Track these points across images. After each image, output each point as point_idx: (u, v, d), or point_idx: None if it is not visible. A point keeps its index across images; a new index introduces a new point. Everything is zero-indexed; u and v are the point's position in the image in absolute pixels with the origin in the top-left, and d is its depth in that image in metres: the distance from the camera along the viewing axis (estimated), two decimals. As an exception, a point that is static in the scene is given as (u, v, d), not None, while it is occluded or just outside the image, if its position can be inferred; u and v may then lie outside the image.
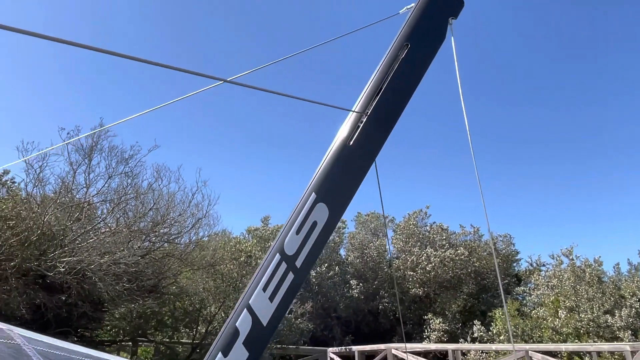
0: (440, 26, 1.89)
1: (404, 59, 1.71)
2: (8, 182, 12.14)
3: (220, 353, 1.24)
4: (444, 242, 21.35)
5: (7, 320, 11.53)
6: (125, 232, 12.85)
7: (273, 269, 1.21)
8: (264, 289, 1.21)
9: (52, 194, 12.12)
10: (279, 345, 16.49)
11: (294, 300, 18.21)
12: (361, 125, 1.47)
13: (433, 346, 16.37)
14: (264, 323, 1.21)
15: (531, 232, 38.19)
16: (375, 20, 2.19)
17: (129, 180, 13.03)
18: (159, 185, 13.91)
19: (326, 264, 21.41)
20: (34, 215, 11.20)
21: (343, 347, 18.05)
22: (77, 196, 12.43)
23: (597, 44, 33.66)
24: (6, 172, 12.31)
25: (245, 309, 1.22)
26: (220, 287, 16.63)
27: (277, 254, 1.24)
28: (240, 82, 1.59)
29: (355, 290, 20.90)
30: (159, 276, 14.74)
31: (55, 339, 3.71)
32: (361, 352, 16.90)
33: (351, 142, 1.38)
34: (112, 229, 12.78)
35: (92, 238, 11.90)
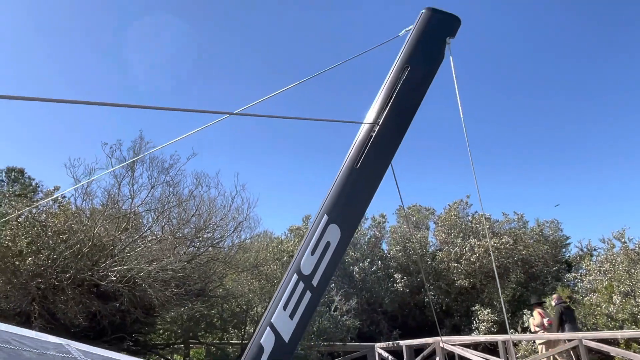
0: (438, 47, 1.92)
1: (405, 81, 1.73)
2: (59, 198, 12.77)
3: None
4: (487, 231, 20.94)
5: (67, 328, 12.16)
6: (170, 239, 13.28)
7: (292, 289, 1.29)
8: (284, 307, 1.29)
9: (100, 207, 12.67)
10: (325, 343, 16.62)
11: (338, 298, 18.35)
12: (366, 149, 1.52)
13: (482, 337, 16.10)
14: (286, 339, 1.29)
15: (581, 216, 36.92)
16: (376, 43, 2.21)
17: (171, 189, 13.46)
18: (200, 191, 14.29)
19: (369, 259, 21.40)
20: (84, 227, 11.74)
21: (390, 342, 18.00)
22: (124, 207, 12.94)
23: None
24: (56, 188, 12.95)
25: (268, 327, 1.30)
26: (265, 287, 16.94)
27: (295, 275, 1.31)
28: (248, 114, 1.67)
29: (399, 284, 20.80)
30: (205, 280, 15.15)
31: (110, 352, 3.91)
32: (409, 347, 16.81)
33: (358, 165, 1.43)
34: (158, 236, 13.24)
35: (139, 247, 12.36)
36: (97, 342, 13.01)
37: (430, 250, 22.45)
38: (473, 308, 19.38)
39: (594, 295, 16.18)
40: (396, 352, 17.28)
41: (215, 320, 17.89)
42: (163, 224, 13.46)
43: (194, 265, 14.38)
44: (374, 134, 1.52)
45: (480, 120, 39.48)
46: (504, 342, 14.13)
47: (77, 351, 3.67)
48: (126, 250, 12.05)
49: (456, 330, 19.68)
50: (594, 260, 18.80)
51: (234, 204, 14.75)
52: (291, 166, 43.35)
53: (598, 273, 17.05)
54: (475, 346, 16.09)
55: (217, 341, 18.12)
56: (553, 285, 19.57)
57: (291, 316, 1.25)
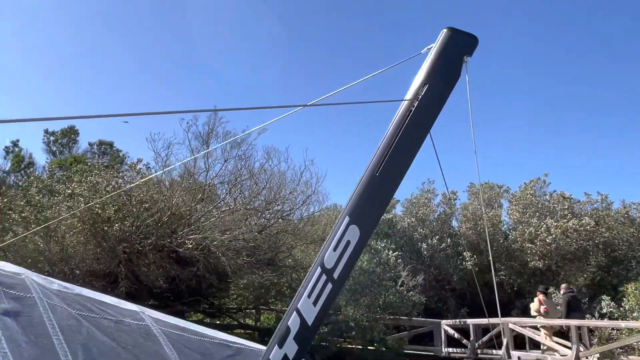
0: (456, 65, 1.95)
1: (423, 97, 1.80)
2: (142, 170, 13.75)
3: (276, 345, 1.54)
4: (565, 212, 19.87)
5: (149, 289, 13.25)
6: (242, 211, 13.94)
7: (316, 280, 1.48)
8: (309, 295, 1.48)
9: (178, 179, 13.51)
10: (391, 316, 16.83)
11: (405, 273, 18.37)
12: (385, 159, 1.65)
13: (555, 321, 15.55)
14: (309, 323, 1.48)
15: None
16: (399, 59, 2.25)
17: (243, 163, 14.03)
18: (270, 165, 14.77)
19: (438, 236, 21.13)
20: (164, 198, 12.61)
21: (457, 320, 17.85)
22: (199, 179, 13.70)
23: None
24: (139, 160, 13.94)
25: (295, 311, 1.51)
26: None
27: (319, 267, 1.51)
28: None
29: (469, 263, 20.38)
30: (274, 250, 15.79)
31: (179, 320, 4.30)
32: (476, 325, 16.59)
33: (378, 173, 1.57)
34: (231, 207, 13.93)
35: (213, 217, 13.10)
36: (176, 303, 14.09)
37: (503, 229, 21.74)
38: (547, 291, 18.67)
39: (682, 284, 15.03)
40: (463, 330, 17.13)
41: (284, 288, 18.62)
42: (235, 195, 14.12)
43: (264, 236, 15.02)
44: (393, 145, 1.64)
45: (568, 95, 37.05)
46: (577, 327, 13.58)
47: (149, 318, 4.08)
48: (201, 220, 12.82)
49: (527, 313, 19.09)
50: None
51: (302, 178, 15.12)
52: (359, 142, 43.22)
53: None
54: (548, 329, 15.58)
55: (286, 308, 18.88)
56: (638, 270, 18.37)
57: (314, 303, 1.46)
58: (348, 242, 1.50)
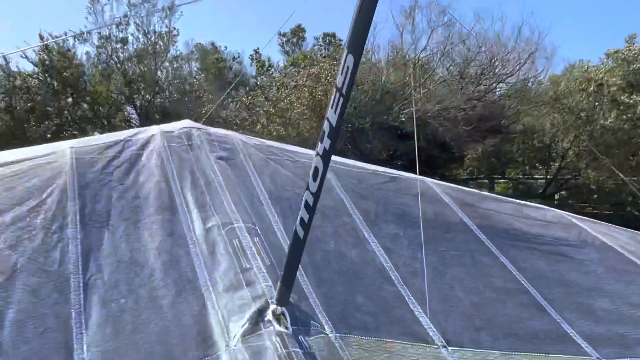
0: None
1: None
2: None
3: (320, 142, 2.05)
4: None
5: (374, 163, 14.53)
6: (456, 79, 13.63)
7: (334, 97, 1.99)
8: (332, 107, 2.01)
9: (387, 57, 13.85)
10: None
11: None
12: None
13: None
14: (334, 125, 2.02)
15: None
16: None
17: (451, 29, 13.44)
18: (482, 27, 13.77)
19: None
20: (375, 78, 13.24)
21: None
22: (407, 54, 13.76)
23: None
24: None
25: (326, 119, 2.05)
26: (569, 121, 15.66)
27: (335, 89, 1.99)
28: None
29: None
30: (498, 117, 15.11)
31: (342, 158, 5.05)
32: None
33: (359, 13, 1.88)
34: (444, 77, 13.74)
35: (425, 89, 13.20)
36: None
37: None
38: None
39: None
40: None
41: (517, 156, 17.83)
42: (447, 64, 13.82)
43: (484, 103, 14.46)
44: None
45: None
46: None
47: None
48: (413, 94, 13.07)
49: None
50: None
51: (520, 34, 13.70)
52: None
53: None
54: None
55: (521, 176, 18.25)
56: None
57: (334, 111, 2.07)
58: (348, 68, 1.95)
